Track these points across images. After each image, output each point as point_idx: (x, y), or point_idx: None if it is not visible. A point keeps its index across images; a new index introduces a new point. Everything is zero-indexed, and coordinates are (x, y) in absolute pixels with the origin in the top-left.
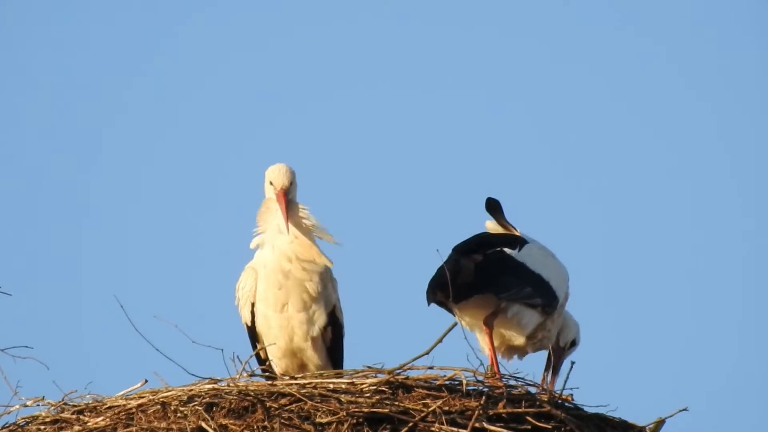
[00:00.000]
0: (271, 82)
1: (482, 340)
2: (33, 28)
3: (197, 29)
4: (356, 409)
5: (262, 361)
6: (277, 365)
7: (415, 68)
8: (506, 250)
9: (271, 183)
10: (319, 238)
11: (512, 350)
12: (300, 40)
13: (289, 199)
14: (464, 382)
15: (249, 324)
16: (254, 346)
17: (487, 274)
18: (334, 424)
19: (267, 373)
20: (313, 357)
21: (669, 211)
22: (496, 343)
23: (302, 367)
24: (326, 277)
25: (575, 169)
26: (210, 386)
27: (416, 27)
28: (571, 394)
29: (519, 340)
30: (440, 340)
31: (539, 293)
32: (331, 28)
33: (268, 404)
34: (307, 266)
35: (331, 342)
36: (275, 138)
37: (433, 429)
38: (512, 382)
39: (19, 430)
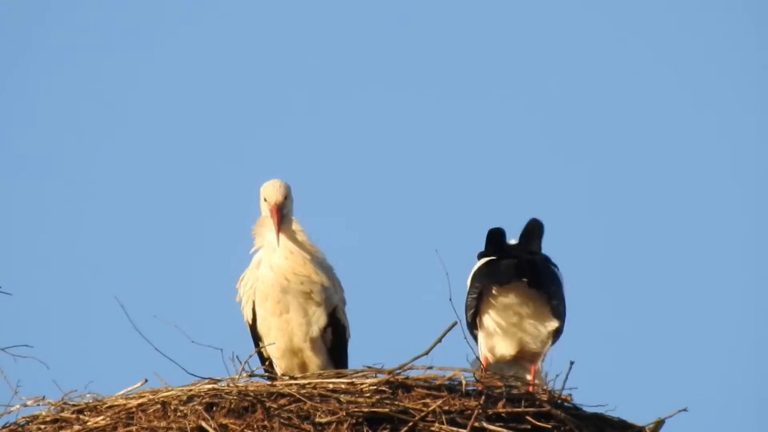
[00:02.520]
0: (270, 82)
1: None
2: (31, 29)
3: (197, 31)
4: (356, 409)
5: (264, 360)
6: (278, 365)
7: (415, 69)
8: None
9: (265, 199)
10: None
11: (517, 356)
12: (300, 43)
13: (284, 213)
14: (464, 381)
15: (250, 323)
16: (256, 344)
17: (542, 274)
18: (334, 424)
19: (267, 373)
20: (312, 357)
21: (668, 210)
22: (514, 348)
23: (303, 367)
24: (329, 279)
25: (575, 169)
26: (210, 386)
27: (417, 28)
28: (571, 394)
29: (536, 346)
30: (439, 340)
31: (563, 321)
32: (332, 30)
33: (267, 404)
34: (305, 280)
35: (332, 343)
36: (275, 138)
37: (433, 428)
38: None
39: (20, 429)
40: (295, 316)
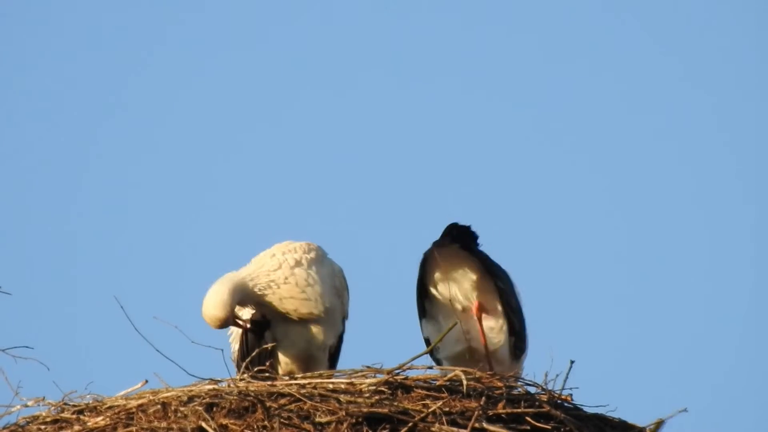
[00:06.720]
0: (267, 80)
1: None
2: (27, 27)
3: (190, 28)
4: (356, 409)
5: (264, 358)
6: (282, 368)
7: (414, 66)
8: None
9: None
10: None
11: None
12: (293, 39)
13: (244, 322)
14: (464, 382)
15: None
16: (261, 336)
17: (488, 262)
18: (334, 424)
19: (266, 374)
20: (322, 364)
21: (669, 211)
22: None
23: (308, 370)
24: (341, 288)
25: (574, 168)
26: (210, 386)
27: (413, 24)
28: (571, 394)
29: (498, 341)
30: (440, 340)
31: (518, 318)
32: (327, 26)
33: (267, 404)
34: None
35: (335, 348)
36: (272, 135)
37: (433, 429)
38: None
39: (20, 430)
40: (315, 324)
